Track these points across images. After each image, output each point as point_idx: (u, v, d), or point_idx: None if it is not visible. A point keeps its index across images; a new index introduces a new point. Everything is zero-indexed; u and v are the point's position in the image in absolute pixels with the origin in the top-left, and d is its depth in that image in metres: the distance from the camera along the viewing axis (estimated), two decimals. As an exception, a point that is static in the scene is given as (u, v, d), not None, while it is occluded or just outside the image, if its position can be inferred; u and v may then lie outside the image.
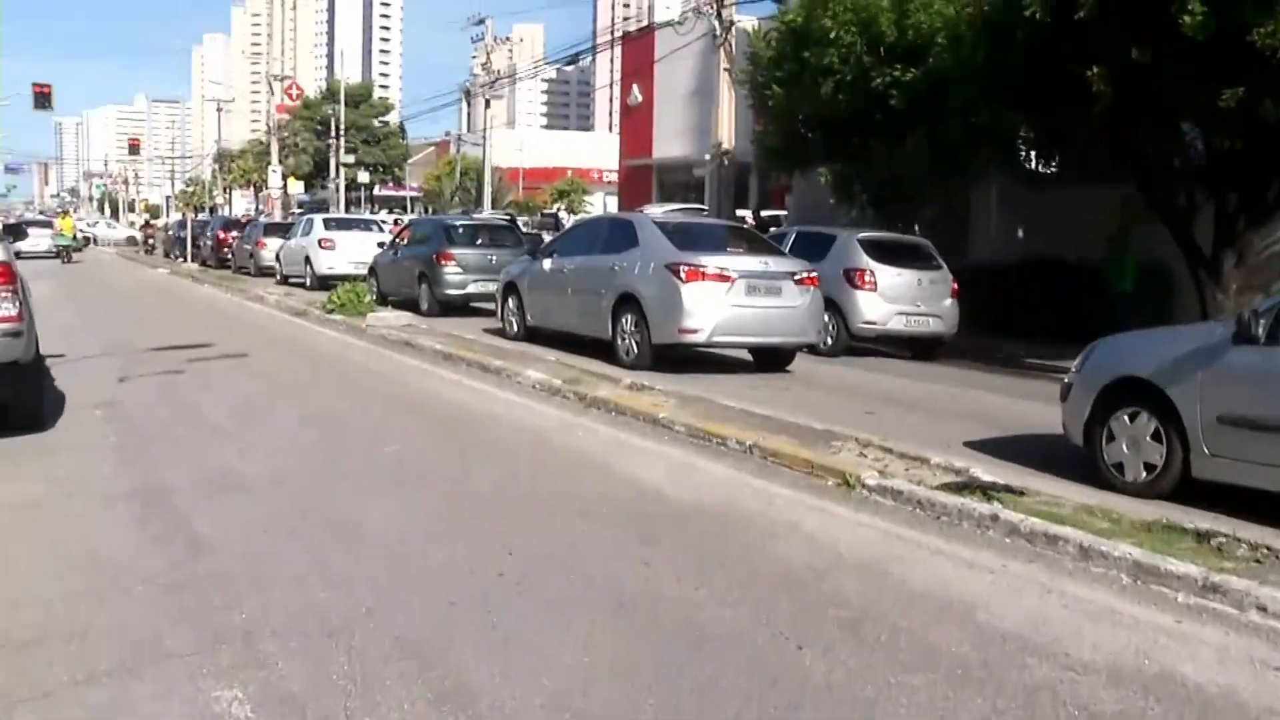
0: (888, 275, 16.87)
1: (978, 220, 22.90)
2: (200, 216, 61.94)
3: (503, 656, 4.84)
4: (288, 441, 9.74)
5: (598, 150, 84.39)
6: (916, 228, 20.87)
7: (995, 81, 16.14)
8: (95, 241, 72.92)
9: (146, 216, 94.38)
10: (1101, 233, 18.11)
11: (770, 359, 14.83)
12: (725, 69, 24.01)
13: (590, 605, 5.55)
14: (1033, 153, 20.21)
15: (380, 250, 25.35)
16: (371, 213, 61.36)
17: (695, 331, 13.54)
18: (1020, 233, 21.74)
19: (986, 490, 7.29)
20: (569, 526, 6.93)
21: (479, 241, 22.38)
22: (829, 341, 16.42)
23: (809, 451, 8.53)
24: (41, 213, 57.97)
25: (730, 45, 24.09)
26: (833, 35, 18.15)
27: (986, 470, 7.90)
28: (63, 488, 8.01)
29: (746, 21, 25.86)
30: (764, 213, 33.23)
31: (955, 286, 17.43)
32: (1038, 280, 18.90)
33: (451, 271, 21.37)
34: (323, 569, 6.06)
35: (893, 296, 16.86)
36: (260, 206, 74.03)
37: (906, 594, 5.77)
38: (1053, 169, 20.50)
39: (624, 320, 14.21)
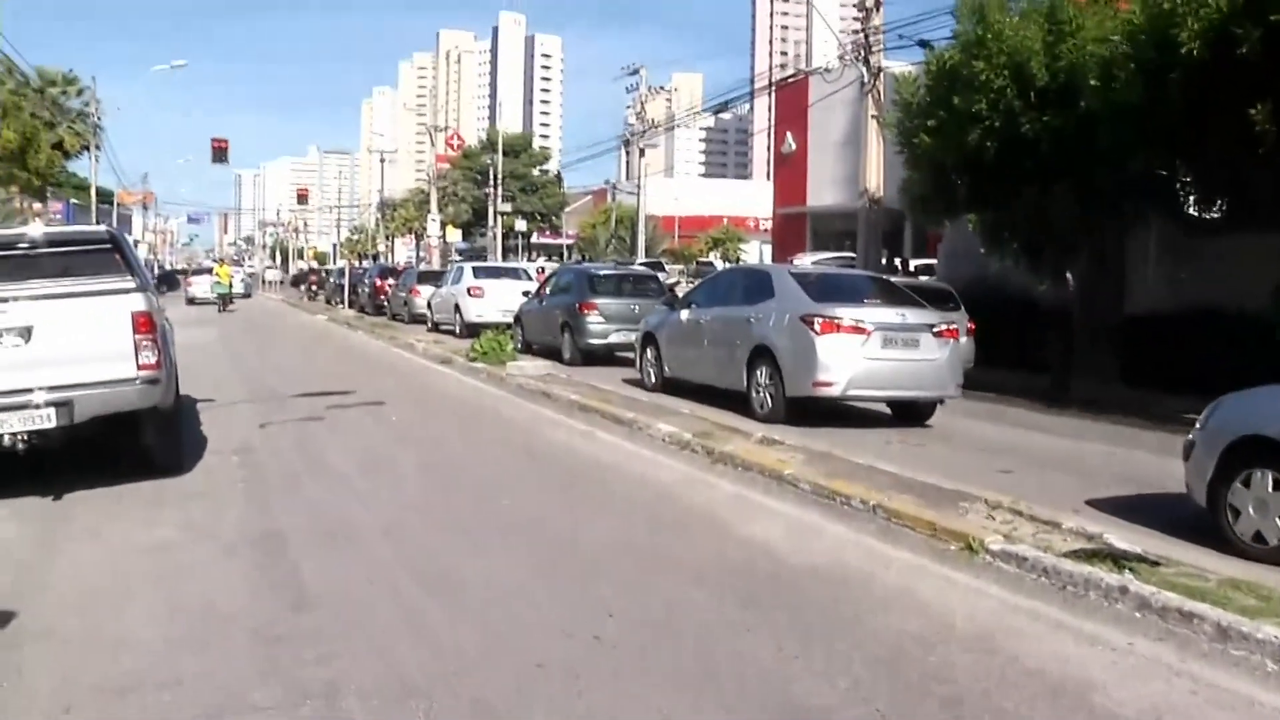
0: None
1: (1134, 269, 22.02)
2: (363, 264, 63.83)
3: (579, 727, 4.70)
4: (407, 491, 9.81)
5: (753, 198, 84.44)
6: (1069, 277, 20.18)
7: (1150, 124, 15.53)
8: (264, 283, 75.84)
9: (314, 263, 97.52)
10: (1269, 281, 17.20)
11: (909, 413, 14.44)
12: (874, 116, 23.69)
13: (681, 672, 5.37)
14: (1192, 197, 19.32)
15: (526, 299, 25.60)
16: (529, 260, 62.28)
17: (829, 385, 13.26)
18: (1180, 282, 20.82)
19: (1118, 559, 6.85)
20: (675, 588, 6.75)
21: (622, 291, 22.39)
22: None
23: (933, 513, 8.19)
24: (216, 259, 58.74)
25: (879, 92, 23.78)
26: (984, 78, 17.65)
27: (1122, 536, 7.45)
28: (190, 533, 8.26)
29: (896, 66, 25.53)
30: (915, 262, 32.70)
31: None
32: (1199, 332, 18.01)
33: (594, 321, 21.45)
34: (418, 626, 6.02)
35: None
36: (421, 254, 75.94)
37: (1018, 671, 5.42)
38: (1214, 214, 19.57)
39: (758, 373, 14.02)
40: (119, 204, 75.94)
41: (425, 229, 69.34)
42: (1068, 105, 17.17)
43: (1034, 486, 9.66)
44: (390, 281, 40.42)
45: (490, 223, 72.29)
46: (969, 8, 18.89)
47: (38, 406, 9.13)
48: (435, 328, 30.72)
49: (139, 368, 9.48)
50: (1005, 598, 6.61)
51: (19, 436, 9.14)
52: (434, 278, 34.92)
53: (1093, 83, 16.61)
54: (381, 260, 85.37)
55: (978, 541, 7.44)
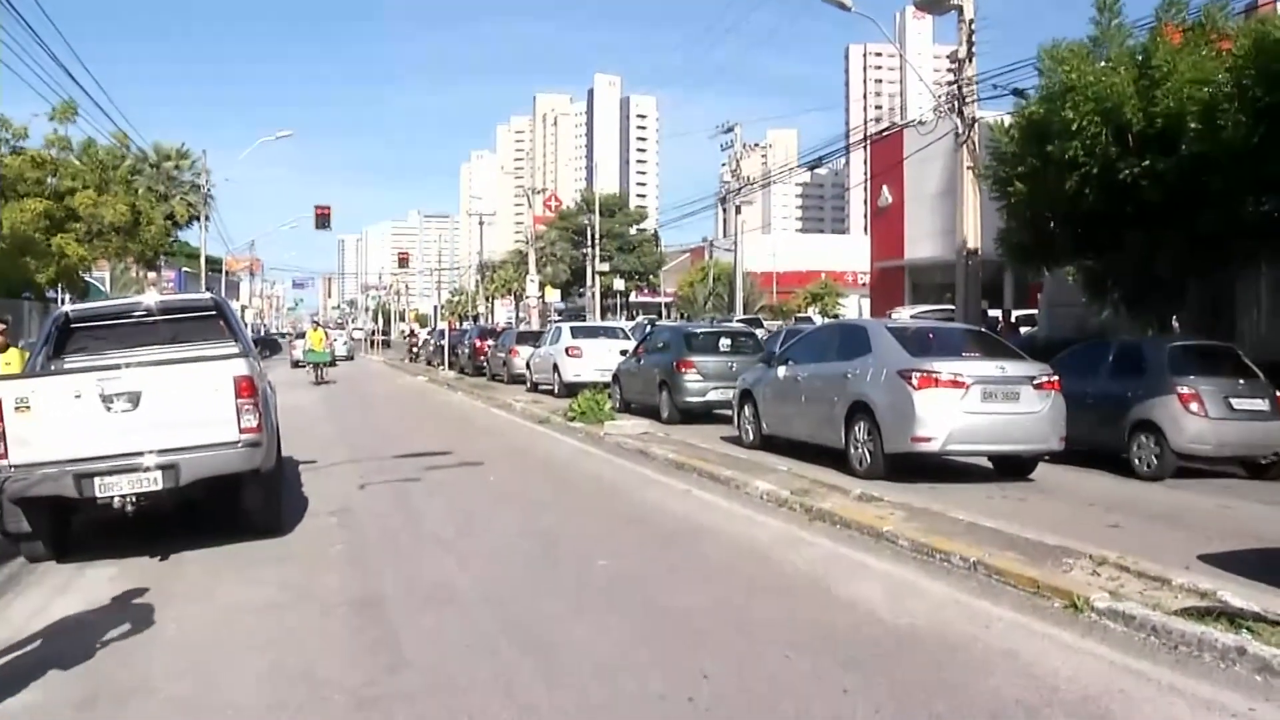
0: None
1: (1244, 314, 21.46)
2: (464, 325, 64.63)
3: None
4: (503, 553, 9.80)
5: (851, 252, 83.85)
6: (1176, 325, 19.72)
7: (1262, 165, 15.15)
8: (371, 344, 77.26)
9: (414, 325, 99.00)
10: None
11: (1010, 467, 14.16)
12: (969, 167, 23.47)
13: (777, 739, 5.27)
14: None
15: (624, 358, 25.66)
16: (628, 319, 62.55)
17: (928, 440, 13.06)
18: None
19: (1234, 617, 6.59)
20: (771, 651, 6.64)
21: (719, 348, 22.34)
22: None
23: (1036, 570, 7.98)
24: (313, 322, 58.43)
25: (973, 143, 23.56)
26: (1075, 126, 17.40)
27: (1238, 593, 7.15)
28: (290, 594, 8.39)
29: (990, 116, 25.31)
30: (1016, 312, 32.21)
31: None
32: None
33: (691, 379, 21.42)
34: (511, 691, 5.99)
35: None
36: (520, 314, 76.74)
37: (1127, 738, 5.23)
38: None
39: (856, 429, 13.87)
40: (227, 271, 78.04)
41: (524, 290, 70.08)
42: (1168, 149, 16.84)
43: (1141, 542, 9.39)
44: (489, 342, 40.81)
45: (588, 282, 72.85)
46: (1052, 58, 18.70)
47: (146, 469, 9.36)
48: (534, 388, 30.92)
49: (241, 431, 9.67)
50: (1113, 658, 6.38)
51: (128, 498, 9.38)
52: (533, 338, 35.21)
53: (1194, 126, 16.29)
54: (481, 321, 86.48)
55: (1082, 599, 7.21)
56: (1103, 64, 18.01)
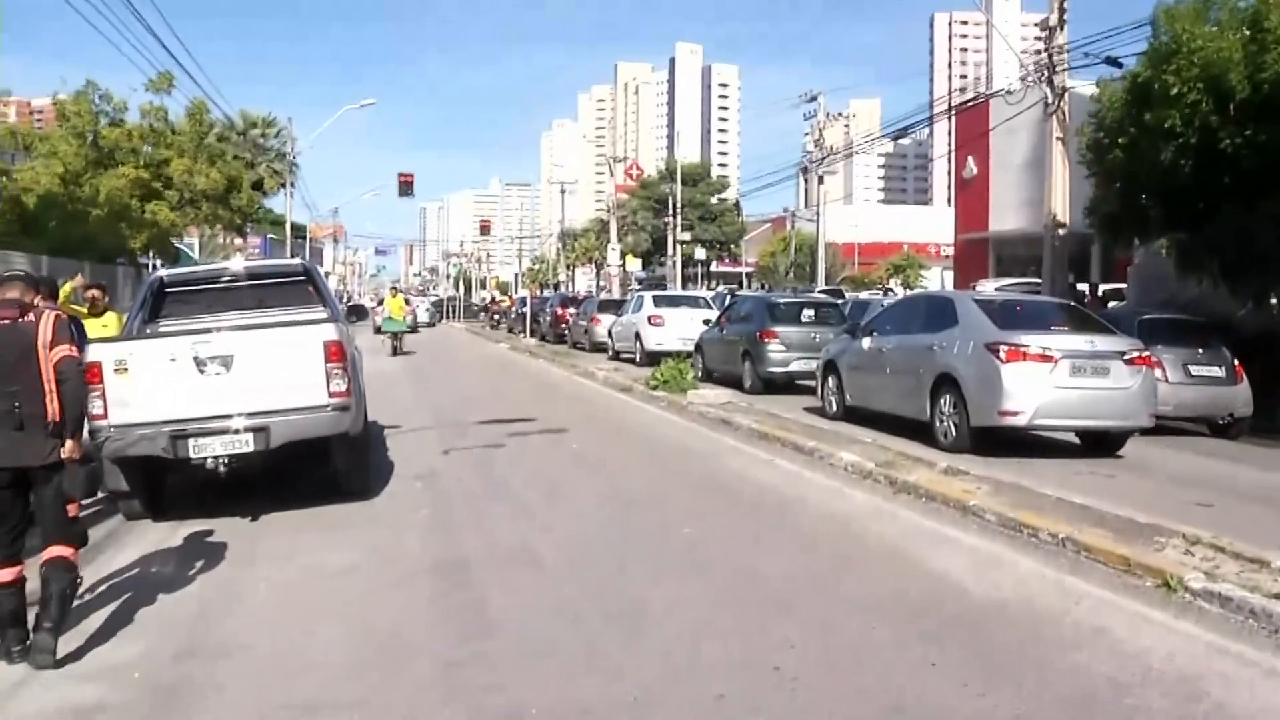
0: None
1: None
2: (544, 293, 64.86)
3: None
4: (588, 519, 9.88)
5: (934, 224, 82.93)
6: (1275, 303, 19.25)
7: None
8: (451, 311, 78.00)
9: (495, 293, 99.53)
10: None
11: (1099, 443, 13.94)
12: (1058, 138, 23.03)
13: (865, 706, 5.30)
14: None
15: (706, 327, 25.61)
16: (708, 289, 62.38)
17: (1016, 414, 12.90)
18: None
19: (1336, 601, 6.45)
20: (857, 621, 6.64)
21: (803, 319, 22.20)
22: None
23: (1127, 547, 7.85)
24: (390, 288, 57.81)
25: (1063, 113, 23.10)
26: (1175, 92, 16.89)
27: (1340, 576, 7.00)
28: (376, 556, 8.54)
29: (1081, 86, 24.78)
30: (1104, 287, 31.64)
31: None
32: None
33: (774, 349, 21.31)
34: (597, 654, 6.05)
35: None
36: (601, 283, 76.87)
37: None
38: None
39: (942, 401, 13.73)
40: (311, 237, 79.03)
41: (605, 258, 70.06)
42: (1273, 117, 16.33)
43: (1237, 522, 9.15)
44: (571, 310, 40.91)
45: (669, 251, 72.62)
46: (1169, 16, 18.11)
47: (237, 432, 9.54)
48: (615, 356, 30.96)
49: (330, 395, 9.82)
50: (1209, 640, 6.26)
51: (220, 459, 9.58)
52: (614, 306, 35.25)
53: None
54: (562, 289, 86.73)
55: (1176, 579, 7.08)
56: (1212, 28, 17.42)
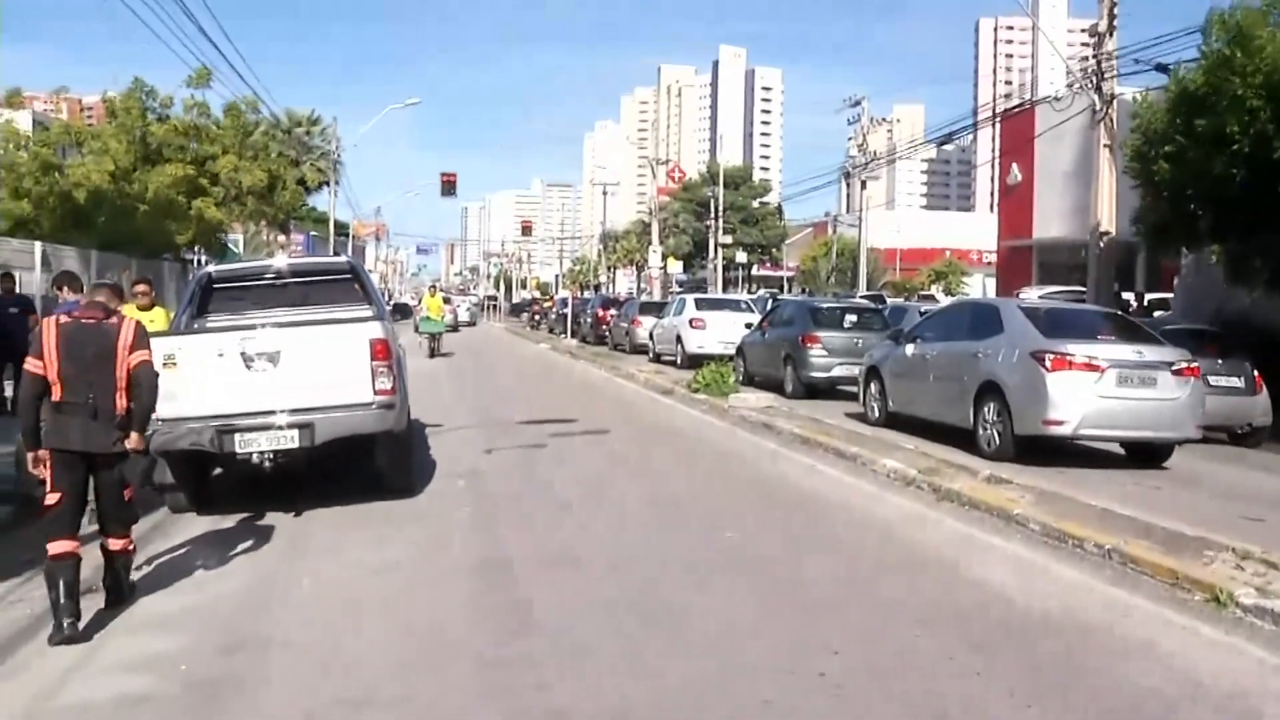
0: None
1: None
2: (585, 294, 64.94)
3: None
4: (629, 521, 9.89)
5: (977, 231, 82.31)
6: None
7: None
8: (492, 309, 78.12)
9: (535, 293, 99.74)
10: None
11: (1144, 454, 13.79)
12: (1105, 145, 22.83)
13: (910, 714, 5.26)
14: None
15: (748, 331, 25.56)
16: (748, 293, 62.29)
17: (1060, 424, 12.79)
18: None
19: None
20: (901, 628, 6.61)
21: (845, 324, 22.09)
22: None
23: (1174, 560, 7.77)
24: (430, 286, 57.32)
25: (1111, 120, 22.90)
26: (1236, 97, 16.61)
27: (1394, 594, 6.89)
28: (419, 554, 8.60)
29: (1129, 92, 24.53)
30: (1150, 296, 31.36)
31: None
32: None
33: (817, 354, 21.20)
34: (639, 657, 6.05)
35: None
36: (642, 285, 76.91)
37: (1277, 738, 5.07)
38: None
39: (986, 409, 13.63)
40: (354, 235, 79.41)
41: (646, 260, 70.06)
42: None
43: (1286, 536, 9.06)
44: (612, 312, 40.92)
45: (711, 254, 72.57)
46: (1221, 24, 17.85)
47: (283, 428, 9.62)
48: (656, 358, 30.94)
49: (375, 393, 9.89)
50: (1261, 657, 6.17)
51: (266, 455, 9.67)
52: (655, 309, 35.21)
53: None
54: (603, 291, 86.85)
55: (1226, 593, 7.00)
56: (1269, 30, 17.13)
